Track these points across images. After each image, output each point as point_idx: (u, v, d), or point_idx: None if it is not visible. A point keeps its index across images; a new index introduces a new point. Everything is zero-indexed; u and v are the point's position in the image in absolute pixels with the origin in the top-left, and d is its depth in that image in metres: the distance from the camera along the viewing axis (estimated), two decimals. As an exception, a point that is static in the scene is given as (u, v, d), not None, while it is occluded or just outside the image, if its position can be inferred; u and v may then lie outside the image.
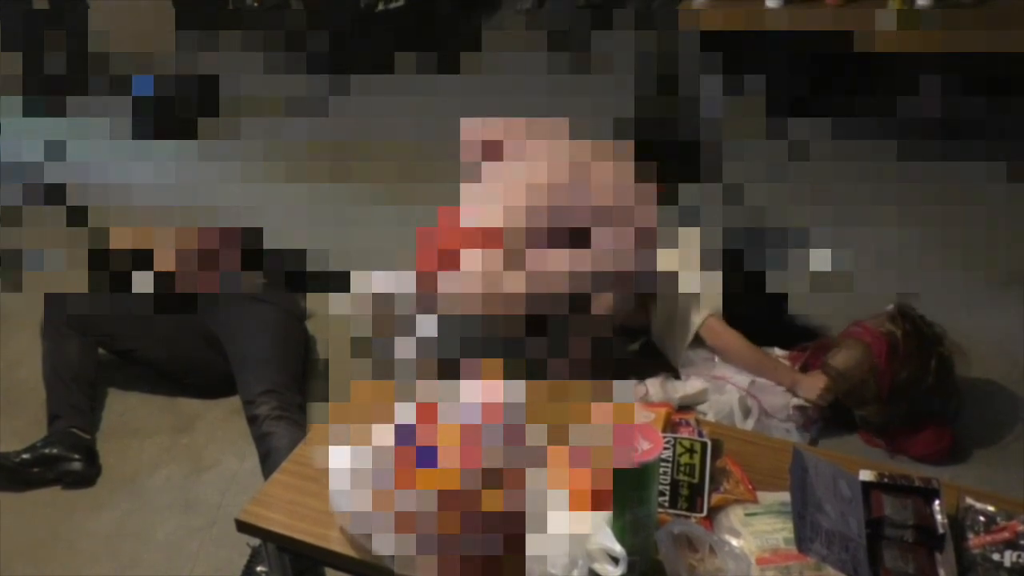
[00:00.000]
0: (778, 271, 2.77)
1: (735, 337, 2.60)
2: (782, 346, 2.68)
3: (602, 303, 2.48)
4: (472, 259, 2.02)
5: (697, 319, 2.59)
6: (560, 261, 2.10)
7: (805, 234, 3.08)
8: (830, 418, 2.57)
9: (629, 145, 2.27)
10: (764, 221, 3.04)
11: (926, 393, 2.49)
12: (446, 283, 2.08)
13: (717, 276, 2.58)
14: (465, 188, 2.15)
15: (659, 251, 1.98)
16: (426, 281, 2.10)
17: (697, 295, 2.60)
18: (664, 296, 2.64)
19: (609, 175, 2.23)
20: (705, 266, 2.60)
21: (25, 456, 2.55)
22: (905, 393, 2.48)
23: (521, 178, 2.19)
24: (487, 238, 2.04)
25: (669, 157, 2.31)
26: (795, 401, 2.53)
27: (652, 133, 2.37)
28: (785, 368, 2.60)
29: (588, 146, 2.27)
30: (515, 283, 2.09)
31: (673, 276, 2.50)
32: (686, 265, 2.56)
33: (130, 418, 2.83)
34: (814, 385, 2.53)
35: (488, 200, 2.11)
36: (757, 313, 2.68)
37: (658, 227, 2.13)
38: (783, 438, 2.45)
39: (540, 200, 2.08)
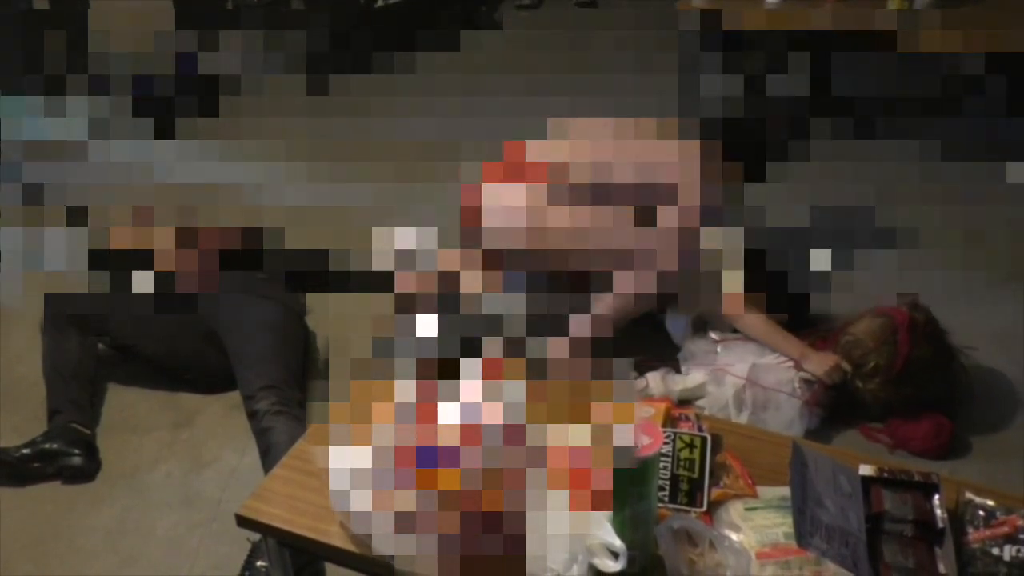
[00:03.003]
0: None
1: (740, 301, 2.61)
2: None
3: (602, 304, 2.51)
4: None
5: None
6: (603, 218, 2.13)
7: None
8: (833, 404, 2.57)
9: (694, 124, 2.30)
10: (764, 221, 3.05)
11: (934, 382, 2.53)
12: (490, 218, 2.13)
13: (739, 251, 2.59)
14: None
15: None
16: (469, 216, 2.13)
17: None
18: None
19: (674, 154, 2.26)
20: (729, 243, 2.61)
21: (25, 451, 2.56)
22: (916, 375, 2.50)
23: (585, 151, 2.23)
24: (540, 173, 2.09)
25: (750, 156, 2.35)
26: (801, 374, 2.55)
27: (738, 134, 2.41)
28: (795, 341, 2.62)
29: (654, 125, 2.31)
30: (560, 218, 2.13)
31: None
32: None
33: (130, 414, 2.83)
34: (823, 361, 2.55)
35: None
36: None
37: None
38: (778, 431, 2.46)
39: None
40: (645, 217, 2.28)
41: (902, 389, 2.51)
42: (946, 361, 2.57)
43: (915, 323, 2.53)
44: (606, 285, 2.44)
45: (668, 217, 2.29)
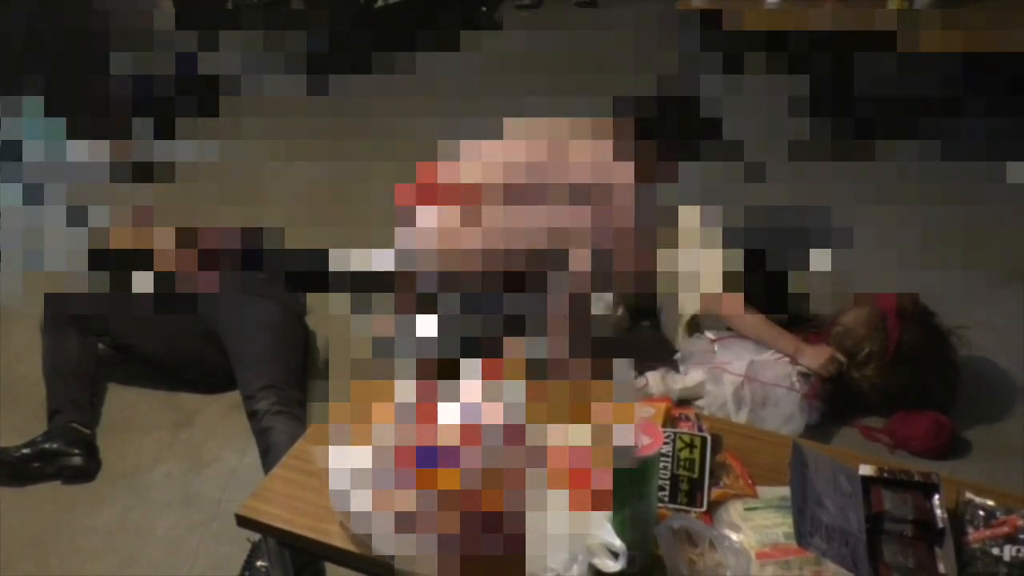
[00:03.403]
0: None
1: (740, 302, 2.62)
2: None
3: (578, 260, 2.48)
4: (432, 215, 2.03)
5: (695, 298, 2.62)
6: (525, 217, 2.10)
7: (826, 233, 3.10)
8: (832, 396, 2.58)
9: (608, 123, 2.29)
10: (765, 220, 3.05)
11: (930, 365, 2.54)
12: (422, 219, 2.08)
13: (717, 254, 2.59)
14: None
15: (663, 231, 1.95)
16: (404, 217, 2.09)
17: (696, 273, 2.61)
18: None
19: (587, 154, 2.24)
20: (706, 244, 2.61)
21: (25, 451, 2.56)
22: (910, 358, 2.52)
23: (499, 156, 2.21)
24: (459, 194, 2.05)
25: (669, 135, 2.33)
26: (798, 368, 2.56)
27: (651, 110, 2.38)
28: (789, 336, 2.63)
29: (567, 124, 2.28)
30: (472, 238, 2.10)
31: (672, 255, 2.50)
32: (685, 244, 2.57)
33: (130, 414, 2.83)
34: (818, 354, 2.56)
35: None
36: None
37: (662, 206, 2.13)
38: (778, 426, 2.47)
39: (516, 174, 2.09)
40: (558, 217, 2.26)
41: (898, 373, 2.53)
42: (939, 342, 2.59)
43: (903, 308, 2.56)
44: (540, 284, 2.42)
45: (580, 217, 2.27)
